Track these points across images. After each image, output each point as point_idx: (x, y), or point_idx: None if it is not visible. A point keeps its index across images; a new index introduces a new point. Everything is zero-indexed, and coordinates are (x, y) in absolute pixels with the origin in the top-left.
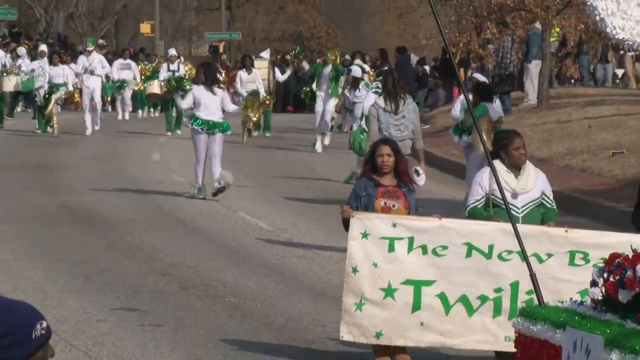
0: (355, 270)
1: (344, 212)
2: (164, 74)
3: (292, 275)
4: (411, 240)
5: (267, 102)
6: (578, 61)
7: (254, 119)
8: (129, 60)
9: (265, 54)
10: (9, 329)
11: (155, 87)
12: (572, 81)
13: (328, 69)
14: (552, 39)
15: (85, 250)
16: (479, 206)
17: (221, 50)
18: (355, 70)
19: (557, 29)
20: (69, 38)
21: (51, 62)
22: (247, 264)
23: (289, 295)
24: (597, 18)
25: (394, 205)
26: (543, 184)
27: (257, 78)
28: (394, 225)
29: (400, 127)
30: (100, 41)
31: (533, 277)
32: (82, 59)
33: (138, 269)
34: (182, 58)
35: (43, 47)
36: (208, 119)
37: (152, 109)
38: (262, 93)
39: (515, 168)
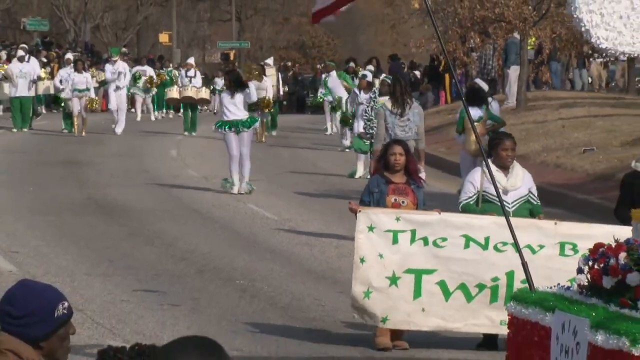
0: (362, 260)
1: (351, 207)
2: (182, 80)
3: (296, 260)
4: (413, 232)
5: (269, 103)
6: (549, 67)
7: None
8: (145, 67)
9: (270, 60)
10: (34, 309)
11: (174, 92)
12: (546, 86)
13: (331, 78)
14: (529, 47)
15: (109, 237)
16: (470, 202)
17: (232, 57)
18: (369, 76)
19: (534, 39)
20: (95, 47)
21: (76, 69)
22: (256, 250)
23: (292, 278)
24: (583, 29)
25: (403, 202)
26: (529, 182)
27: (267, 86)
28: (398, 219)
29: (405, 128)
30: (123, 49)
31: (525, 265)
32: (108, 67)
33: (157, 254)
34: (199, 68)
35: (69, 56)
36: (232, 119)
37: (171, 111)
38: (270, 97)
39: (503, 168)
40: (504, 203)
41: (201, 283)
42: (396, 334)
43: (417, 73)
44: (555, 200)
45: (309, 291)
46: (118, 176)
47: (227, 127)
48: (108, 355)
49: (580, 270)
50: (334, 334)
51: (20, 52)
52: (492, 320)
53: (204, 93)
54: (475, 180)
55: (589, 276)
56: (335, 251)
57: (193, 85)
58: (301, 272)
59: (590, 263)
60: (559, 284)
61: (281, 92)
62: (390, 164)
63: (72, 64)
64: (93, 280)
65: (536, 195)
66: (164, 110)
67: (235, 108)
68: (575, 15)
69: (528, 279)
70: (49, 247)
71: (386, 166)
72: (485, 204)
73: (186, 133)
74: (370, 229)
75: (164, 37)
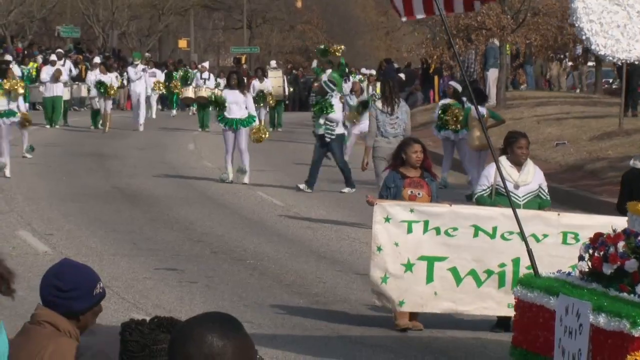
0: (379, 249)
1: (369, 200)
2: (197, 81)
3: (299, 242)
4: (426, 223)
5: (270, 100)
6: (524, 69)
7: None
8: (154, 69)
9: (273, 63)
10: (78, 284)
11: (190, 92)
12: (524, 86)
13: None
14: (507, 53)
15: (133, 222)
16: (484, 195)
17: (243, 61)
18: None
19: (507, 46)
20: (121, 52)
21: (100, 72)
22: (264, 233)
23: (296, 258)
24: (584, 37)
25: (419, 194)
26: (540, 178)
27: (267, 86)
28: (412, 210)
29: (394, 125)
30: (147, 54)
31: (530, 252)
32: (131, 70)
33: (176, 237)
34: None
35: (97, 60)
36: (233, 118)
37: (188, 108)
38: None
39: (517, 164)
40: (515, 197)
41: (215, 262)
42: (413, 315)
43: (402, 75)
44: None
45: (311, 269)
46: (141, 167)
47: (226, 124)
48: (130, 328)
49: (581, 258)
50: (334, 309)
51: (53, 57)
52: (500, 303)
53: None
54: (490, 175)
55: (589, 263)
56: (335, 234)
57: (207, 87)
58: (304, 253)
59: (591, 251)
60: (559, 270)
61: (286, 93)
62: (411, 161)
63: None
64: (119, 259)
65: (546, 190)
66: (182, 109)
67: (237, 107)
68: (576, 25)
69: (533, 264)
70: (79, 230)
71: (402, 162)
72: (497, 197)
73: (200, 129)
74: (387, 219)
75: (182, 43)
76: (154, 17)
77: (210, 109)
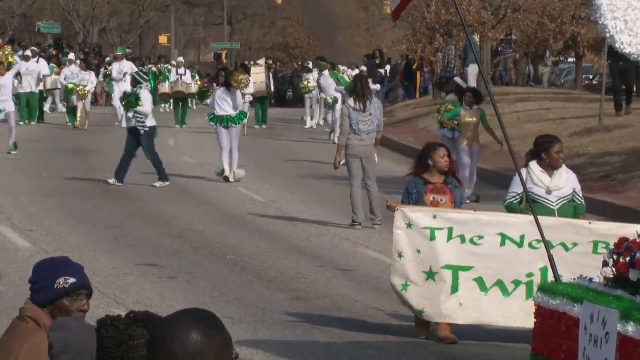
0: (400, 255)
1: (390, 205)
2: (173, 77)
3: (280, 238)
4: (450, 230)
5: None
6: (501, 64)
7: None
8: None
9: (261, 61)
10: (38, 278)
11: (166, 88)
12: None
13: (324, 77)
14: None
15: (114, 217)
16: (514, 202)
17: (223, 57)
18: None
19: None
20: (102, 48)
21: (81, 68)
22: (245, 229)
23: (277, 254)
24: (608, 35)
25: (441, 200)
26: (574, 183)
27: (250, 84)
28: (435, 217)
29: (368, 122)
30: (128, 50)
31: (551, 257)
32: (115, 65)
33: (157, 232)
34: (190, 67)
35: (71, 56)
36: (222, 115)
37: (163, 105)
38: (251, 91)
39: (551, 169)
40: (548, 202)
41: (196, 258)
42: (446, 327)
43: (382, 71)
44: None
45: (292, 265)
46: None
47: (218, 122)
48: (106, 324)
49: (605, 264)
50: (314, 303)
51: (28, 53)
52: (528, 314)
53: (193, 88)
54: (520, 182)
55: (614, 269)
56: (316, 230)
57: (183, 82)
58: (285, 249)
59: (615, 257)
60: (581, 275)
61: (272, 89)
62: (440, 166)
63: (74, 63)
64: (99, 255)
65: (581, 195)
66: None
67: (226, 104)
68: (600, 22)
69: (554, 270)
70: (60, 226)
71: (427, 168)
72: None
73: (177, 126)
74: (409, 226)
75: (163, 39)
76: (135, 13)
77: (191, 105)
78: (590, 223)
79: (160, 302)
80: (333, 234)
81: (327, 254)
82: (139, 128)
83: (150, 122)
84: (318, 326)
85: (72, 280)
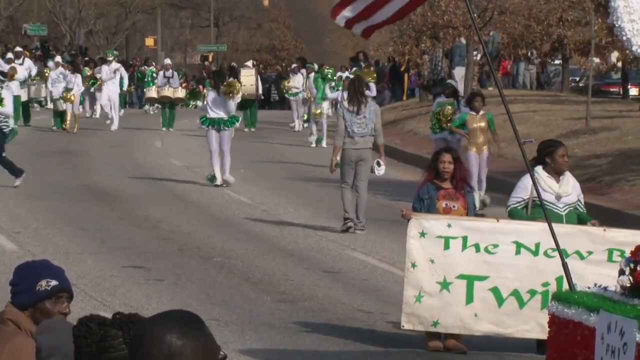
0: (414, 265)
1: (405, 214)
2: (160, 80)
3: (267, 240)
4: (465, 239)
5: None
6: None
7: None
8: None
9: (249, 63)
10: (19, 280)
11: (153, 92)
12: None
13: (310, 80)
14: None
15: (101, 220)
16: (518, 207)
17: (210, 59)
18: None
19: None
20: (88, 50)
21: (68, 70)
22: (232, 231)
23: (264, 255)
24: (624, 38)
25: (454, 206)
26: (578, 189)
27: (239, 91)
28: (449, 225)
29: (362, 125)
30: (115, 52)
31: (565, 265)
32: (104, 68)
33: (144, 234)
34: (176, 69)
35: (58, 59)
36: (214, 117)
37: (150, 107)
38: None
39: (557, 174)
40: (556, 208)
41: (183, 260)
42: (453, 336)
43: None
44: (498, 186)
45: (278, 267)
46: (108, 165)
47: (208, 124)
48: (81, 324)
49: (621, 272)
50: (301, 305)
51: (9, 55)
52: (544, 325)
53: (180, 92)
54: (527, 187)
55: (631, 278)
56: (302, 232)
57: (170, 86)
58: (272, 251)
59: (632, 265)
60: (595, 284)
61: (260, 91)
62: (439, 171)
63: (61, 65)
64: (86, 257)
65: (583, 203)
66: (145, 108)
67: (218, 107)
68: (617, 25)
69: (568, 279)
70: (47, 228)
71: (437, 173)
72: (535, 210)
73: (164, 129)
74: (422, 234)
75: (149, 41)
76: (121, 15)
77: (179, 106)
78: (604, 230)
79: (146, 304)
80: (320, 236)
81: (313, 255)
82: (3, 127)
83: (12, 122)
84: (304, 328)
85: (53, 282)
